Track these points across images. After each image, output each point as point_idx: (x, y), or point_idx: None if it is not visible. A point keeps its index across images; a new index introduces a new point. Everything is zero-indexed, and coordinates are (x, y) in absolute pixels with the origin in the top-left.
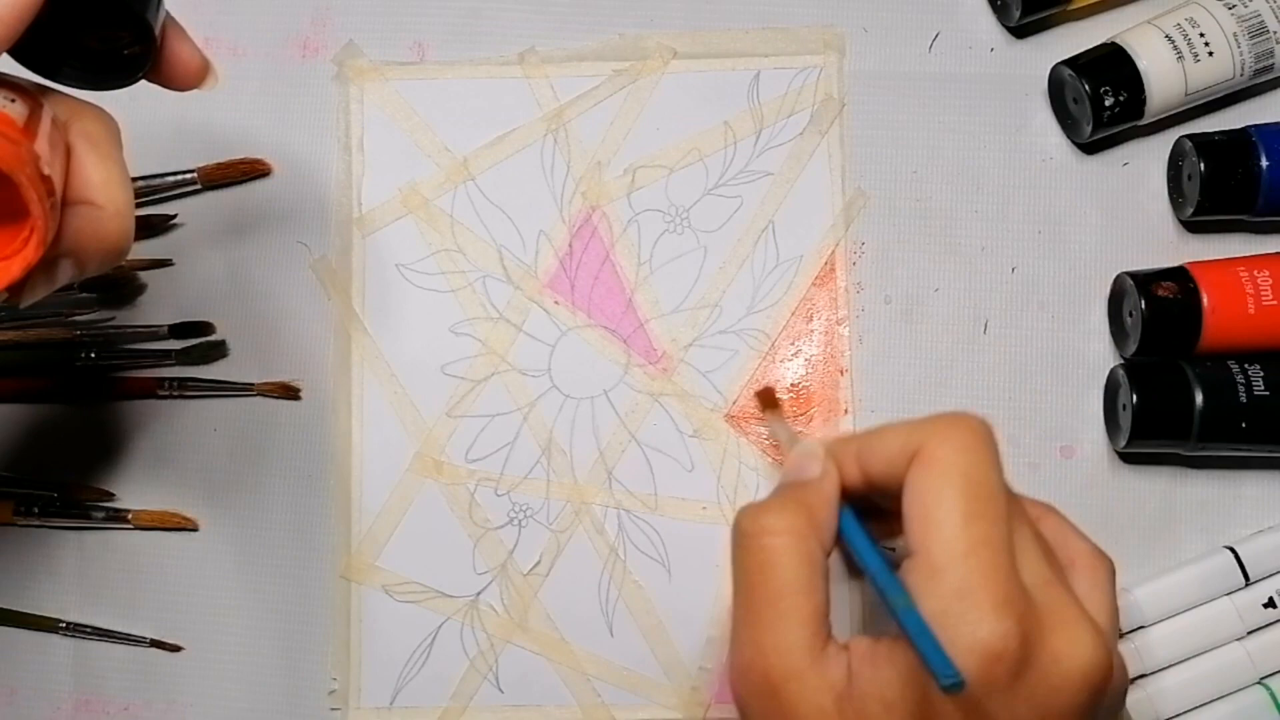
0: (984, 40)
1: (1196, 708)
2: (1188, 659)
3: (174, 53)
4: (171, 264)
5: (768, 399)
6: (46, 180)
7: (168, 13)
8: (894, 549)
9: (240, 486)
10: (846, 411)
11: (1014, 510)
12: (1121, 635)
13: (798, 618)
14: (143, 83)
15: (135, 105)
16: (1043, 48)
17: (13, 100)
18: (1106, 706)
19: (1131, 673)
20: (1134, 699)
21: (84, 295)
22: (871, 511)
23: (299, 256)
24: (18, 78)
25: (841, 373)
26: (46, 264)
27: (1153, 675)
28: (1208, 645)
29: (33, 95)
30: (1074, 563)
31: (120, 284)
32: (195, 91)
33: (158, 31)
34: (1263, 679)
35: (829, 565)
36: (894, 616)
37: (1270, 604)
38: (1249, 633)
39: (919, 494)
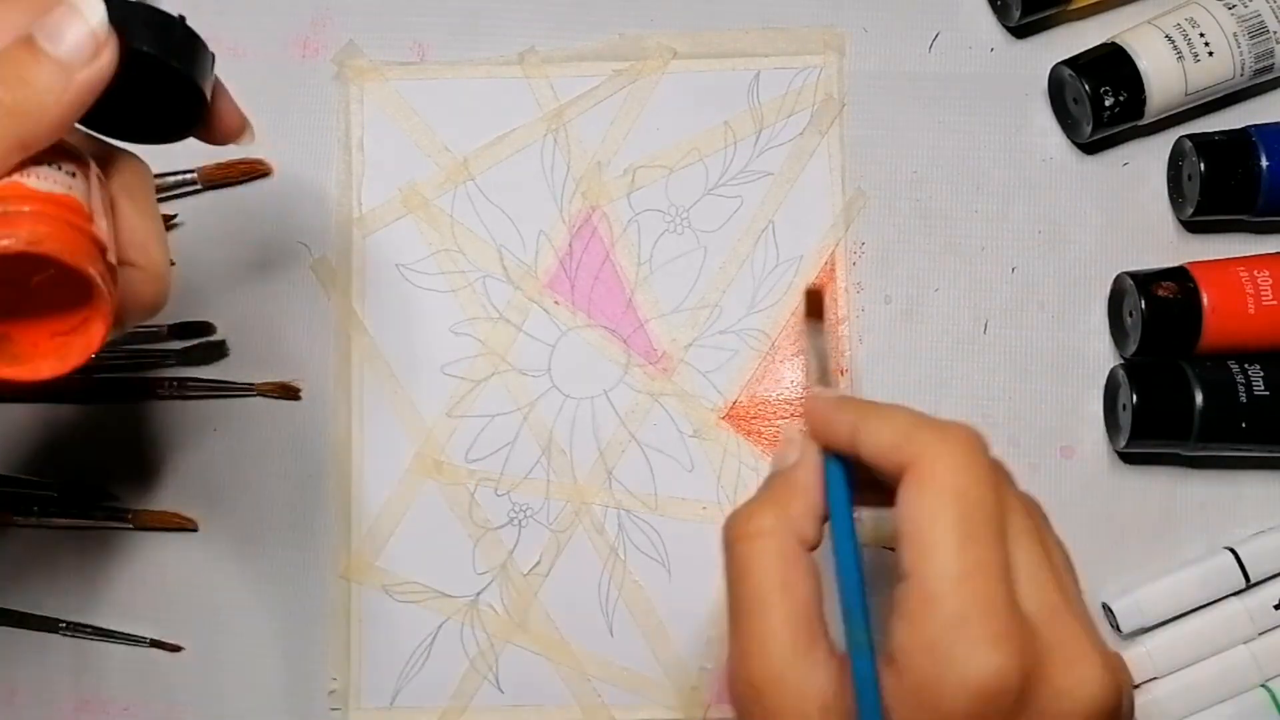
0: (984, 40)
1: (1199, 711)
2: (1197, 662)
3: (219, 112)
4: (172, 264)
5: (815, 303)
6: (111, 268)
7: (216, 76)
8: (894, 550)
9: (240, 486)
10: None
11: (1021, 526)
12: (1125, 636)
13: (777, 619)
14: None
15: None
16: (1043, 48)
17: (73, 175)
18: None
19: (1141, 677)
20: (1140, 703)
21: None
22: (866, 481)
23: (299, 256)
24: (67, 142)
25: (841, 373)
26: None
27: (1160, 679)
28: (1218, 648)
29: (83, 159)
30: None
31: None
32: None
33: (209, 95)
34: (1266, 682)
35: (814, 563)
36: (848, 645)
37: None
38: (1259, 634)
39: (913, 514)
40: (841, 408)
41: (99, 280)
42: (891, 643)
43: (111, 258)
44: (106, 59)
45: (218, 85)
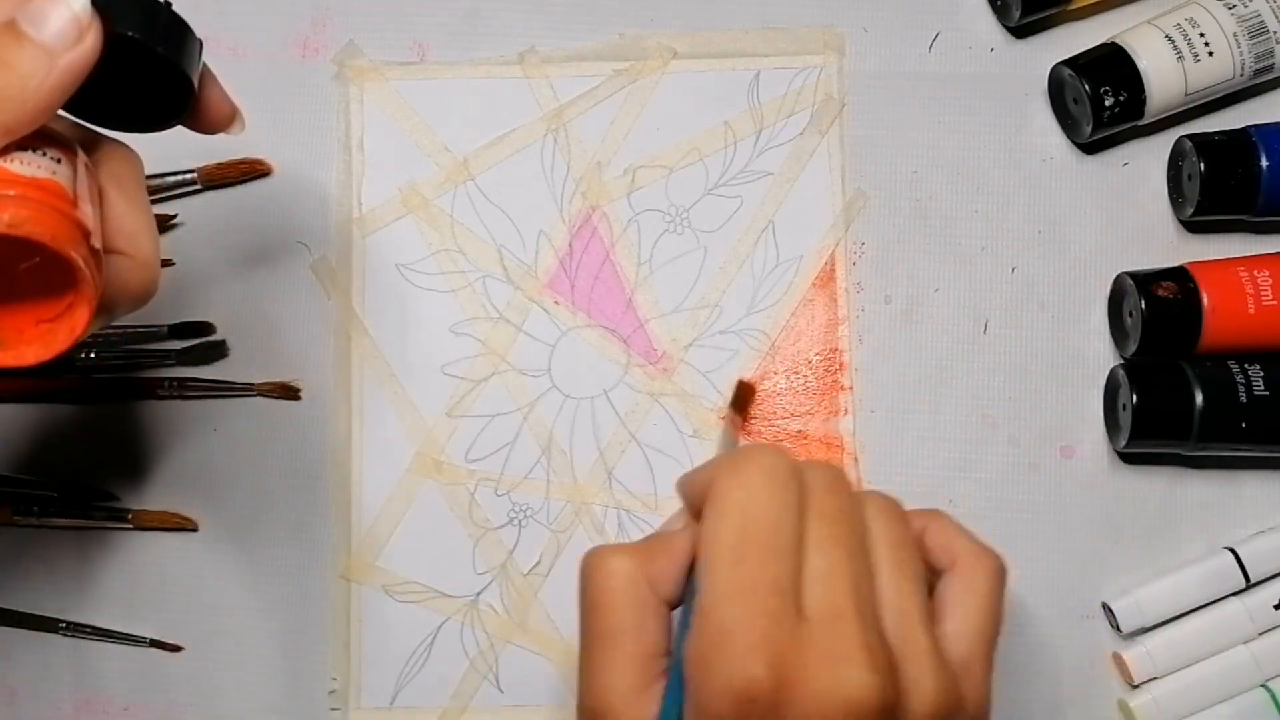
0: (984, 40)
1: (1199, 711)
2: (1197, 662)
3: (208, 100)
4: (172, 264)
5: (743, 396)
6: (96, 253)
7: (204, 63)
8: None
9: (240, 486)
10: (846, 412)
11: (823, 534)
12: (1125, 636)
13: (624, 658)
14: None
15: None
16: (1043, 48)
17: (58, 161)
18: None
19: (1141, 677)
20: (1140, 703)
21: None
22: None
23: (299, 256)
24: (52, 128)
25: (841, 373)
26: None
27: (1160, 679)
28: (1218, 648)
29: (69, 145)
30: (955, 564)
31: None
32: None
33: (196, 82)
34: (1266, 682)
35: (669, 615)
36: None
37: None
38: (1260, 634)
39: (702, 533)
40: (693, 475)
41: (81, 264)
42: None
43: (95, 243)
44: (90, 44)
45: (206, 73)
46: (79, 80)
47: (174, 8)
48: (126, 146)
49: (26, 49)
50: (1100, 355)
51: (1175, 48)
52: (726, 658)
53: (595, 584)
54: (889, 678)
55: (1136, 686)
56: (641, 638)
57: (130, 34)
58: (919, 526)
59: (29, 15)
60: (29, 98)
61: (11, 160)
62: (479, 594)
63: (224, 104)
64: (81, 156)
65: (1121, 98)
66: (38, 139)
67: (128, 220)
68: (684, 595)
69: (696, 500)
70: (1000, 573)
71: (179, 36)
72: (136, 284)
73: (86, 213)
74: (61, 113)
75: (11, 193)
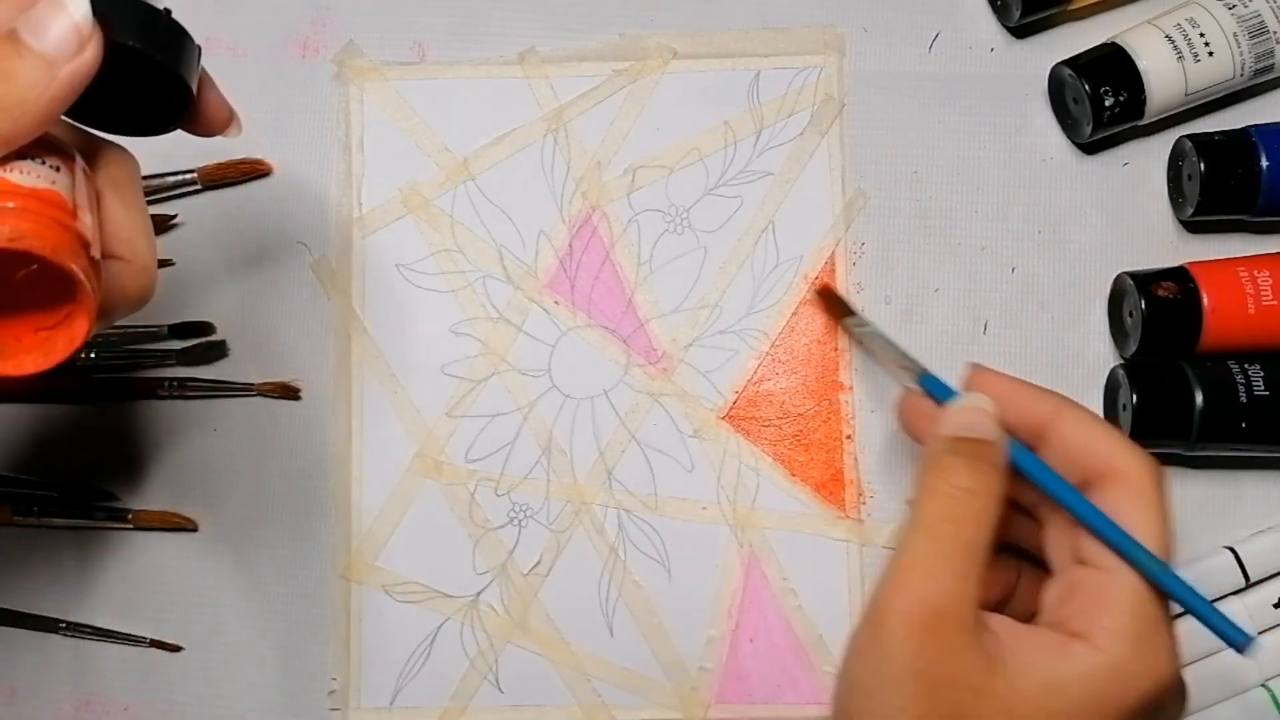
0: (984, 40)
1: (1199, 711)
2: (1197, 661)
3: (206, 104)
4: (172, 264)
5: (831, 300)
6: (95, 264)
7: (203, 68)
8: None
9: (240, 486)
10: (846, 412)
11: None
12: None
13: (978, 579)
14: None
15: None
16: (1043, 48)
17: (57, 169)
18: None
19: None
20: None
21: None
22: None
23: (299, 256)
24: (51, 135)
25: (841, 373)
26: None
27: None
28: (1218, 647)
29: (68, 153)
30: (1113, 473)
31: None
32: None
33: (195, 88)
34: (1266, 681)
35: None
36: (1165, 588)
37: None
38: (1259, 634)
39: (1132, 519)
40: (1040, 396)
41: (82, 277)
42: (1085, 623)
43: (95, 253)
44: (91, 53)
45: (204, 77)
46: (79, 90)
47: (173, 14)
48: (123, 149)
49: (27, 59)
50: (1100, 355)
51: (1175, 48)
52: (1161, 651)
53: (962, 496)
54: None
55: None
56: (987, 566)
57: (130, 43)
58: (1043, 413)
59: (29, 25)
60: (29, 109)
61: (11, 170)
62: (479, 594)
63: (221, 108)
64: (80, 163)
65: (1121, 98)
66: (37, 147)
67: (125, 225)
68: None
69: (1073, 447)
70: (1163, 481)
71: (178, 44)
72: (134, 288)
73: (86, 223)
74: (60, 117)
75: (11, 205)
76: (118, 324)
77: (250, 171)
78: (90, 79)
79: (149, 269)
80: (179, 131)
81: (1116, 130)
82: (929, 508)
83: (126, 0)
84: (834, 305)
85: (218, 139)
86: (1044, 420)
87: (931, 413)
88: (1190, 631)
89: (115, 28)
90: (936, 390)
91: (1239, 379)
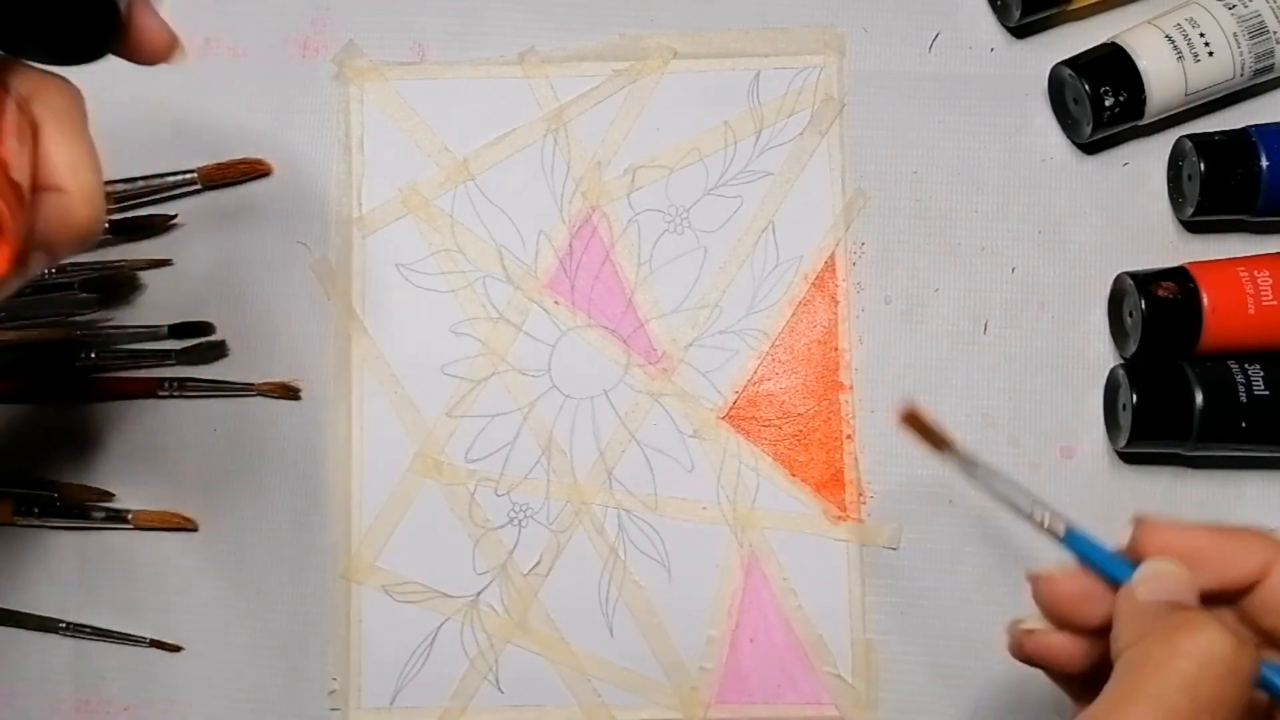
0: (984, 40)
1: None
2: None
3: (140, 26)
4: (171, 264)
5: (923, 430)
6: (16, 186)
7: None
8: None
9: (240, 486)
10: (846, 412)
11: None
12: None
13: None
14: (142, 80)
15: (136, 105)
16: (1043, 48)
17: None
18: None
19: None
20: None
21: (84, 295)
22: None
23: (299, 256)
24: None
25: (841, 373)
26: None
27: None
28: None
29: None
30: None
31: (120, 284)
32: (189, 85)
33: (123, 5)
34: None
35: None
36: None
37: None
38: None
39: None
40: (1243, 544)
41: None
42: None
43: (18, 176)
44: None
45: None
46: None
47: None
48: (65, 80)
49: None
50: (1100, 355)
51: (1175, 48)
52: None
53: (1228, 676)
54: None
55: None
56: None
57: None
58: (1257, 565)
59: None
60: None
61: None
62: (479, 594)
63: (159, 31)
64: (10, 90)
65: (1121, 98)
66: None
67: (65, 153)
68: None
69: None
70: None
71: None
72: (79, 218)
73: (10, 145)
74: None
75: None
76: (117, 324)
77: (250, 171)
78: None
79: (92, 199)
80: (177, 128)
81: (1116, 130)
82: (1163, 674)
83: None
84: (928, 435)
85: (217, 133)
86: (1251, 574)
87: (1083, 587)
88: None
89: None
90: (1085, 550)
91: (1239, 379)
